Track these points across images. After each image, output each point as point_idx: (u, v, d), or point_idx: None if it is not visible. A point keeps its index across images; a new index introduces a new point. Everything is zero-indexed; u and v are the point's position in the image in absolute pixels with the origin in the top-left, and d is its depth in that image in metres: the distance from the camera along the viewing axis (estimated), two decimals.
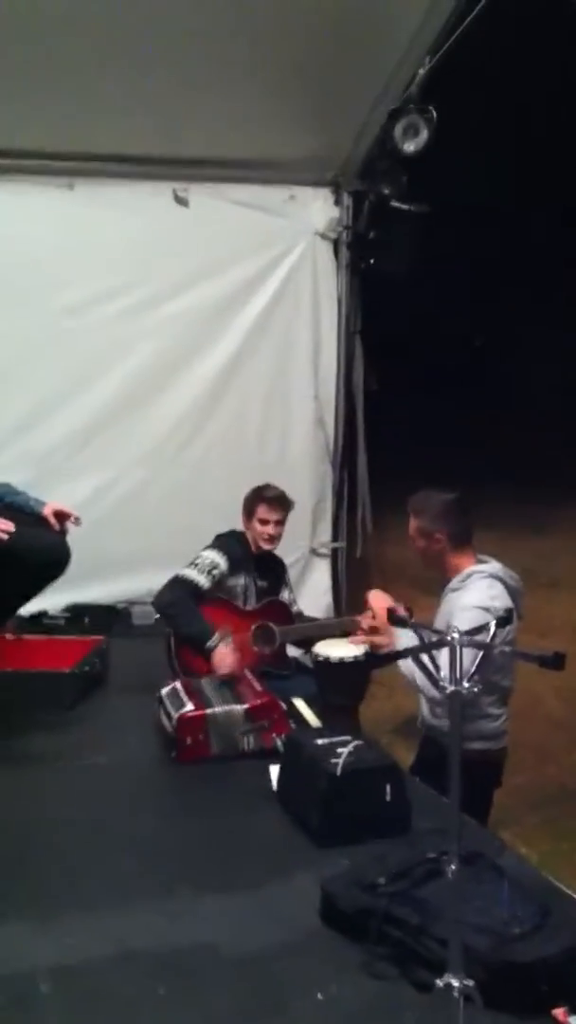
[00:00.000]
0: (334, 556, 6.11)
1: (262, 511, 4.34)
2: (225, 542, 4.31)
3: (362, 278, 5.82)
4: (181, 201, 5.59)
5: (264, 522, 4.33)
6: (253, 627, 4.23)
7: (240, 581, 4.31)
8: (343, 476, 6.02)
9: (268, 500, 4.36)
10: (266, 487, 4.43)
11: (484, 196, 12.90)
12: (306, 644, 4.17)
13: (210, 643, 3.93)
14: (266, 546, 4.36)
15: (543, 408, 15.75)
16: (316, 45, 4.76)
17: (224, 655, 3.94)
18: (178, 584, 4.10)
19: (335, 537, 6.11)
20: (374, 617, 3.56)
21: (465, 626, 2.26)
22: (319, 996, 2.11)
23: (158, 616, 5.13)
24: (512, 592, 3.47)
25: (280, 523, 4.37)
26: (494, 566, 3.53)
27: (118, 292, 5.55)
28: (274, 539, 4.37)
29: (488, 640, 2.23)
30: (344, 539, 6.11)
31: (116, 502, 5.60)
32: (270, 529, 4.34)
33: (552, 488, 12.01)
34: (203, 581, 4.11)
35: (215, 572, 4.15)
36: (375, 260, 5.38)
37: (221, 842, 2.89)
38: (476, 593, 3.39)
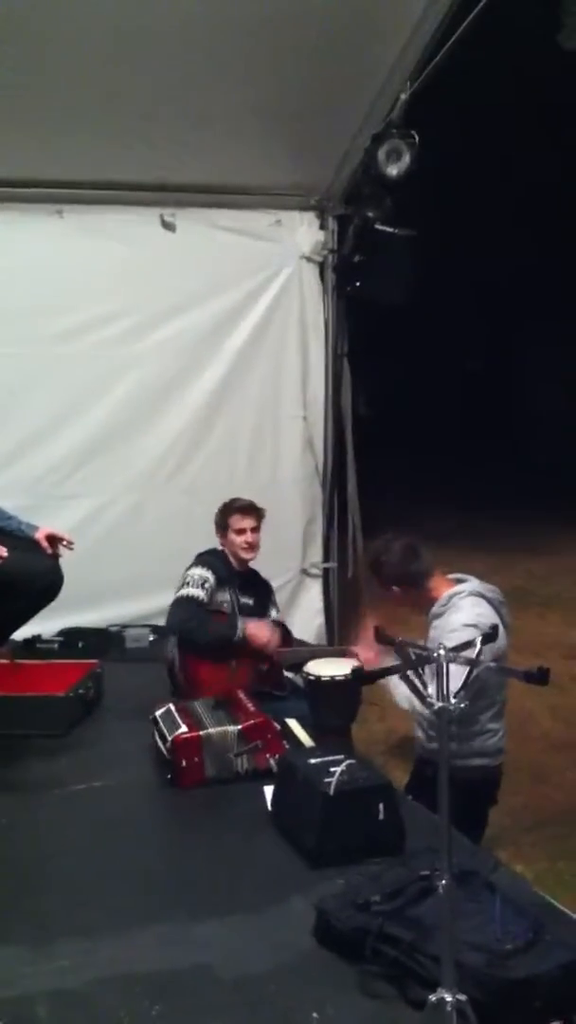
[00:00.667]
0: (325, 576, 6.13)
1: (236, 521, 4.39)
2: (207, 559, 4.36)
3: (349, 302, 5.86)
4: (168, 227, 5.64)
5: (240, 531, 4.38)
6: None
7: (225, 597, 4.34)
8: (333, 497, 6.05)
9: (239, 509, 4.42)
10: (234, 500, 4.50)
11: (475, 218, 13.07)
12: (297, 667, 4.19)
13: (239, 632, 4.09)
14: (246, 555, 4.40)
15: (538, 430, 15.86)
16: (300, 72, 4.83)
17: (259, 627, 4.15)
18: (183, 602, 4.16)
19: (326, 558, 6.13)
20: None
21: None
22: (315, 1016, 2.12)
23: (153, 639, 5.19)
24: (496, 606, 3.49)
25: (255, 530, 4.42)
26: (472, 584, 3.56)
27: (108, 318, 5.60)
28: (253, 547, 4.41)
29: (474, 656, 2.26)
30: (335, 559, 6.13)
31: (109, 527, 5.63)
32: (248, 537, 4.38)
33: (545, 509, 12.08)
34: (201, 595, 4.18)
35: (207, 585, 4.22)
36: (361, 283, 5.41)
37: (216, 864, 2.90)
38: (462, 613, 3.41)
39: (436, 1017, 1.89)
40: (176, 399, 5.77)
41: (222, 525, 4.43)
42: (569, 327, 14.46)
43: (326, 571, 6.12)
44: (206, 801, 3.31)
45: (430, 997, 1.93)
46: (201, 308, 5.76)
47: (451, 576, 3.64)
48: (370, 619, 3.74)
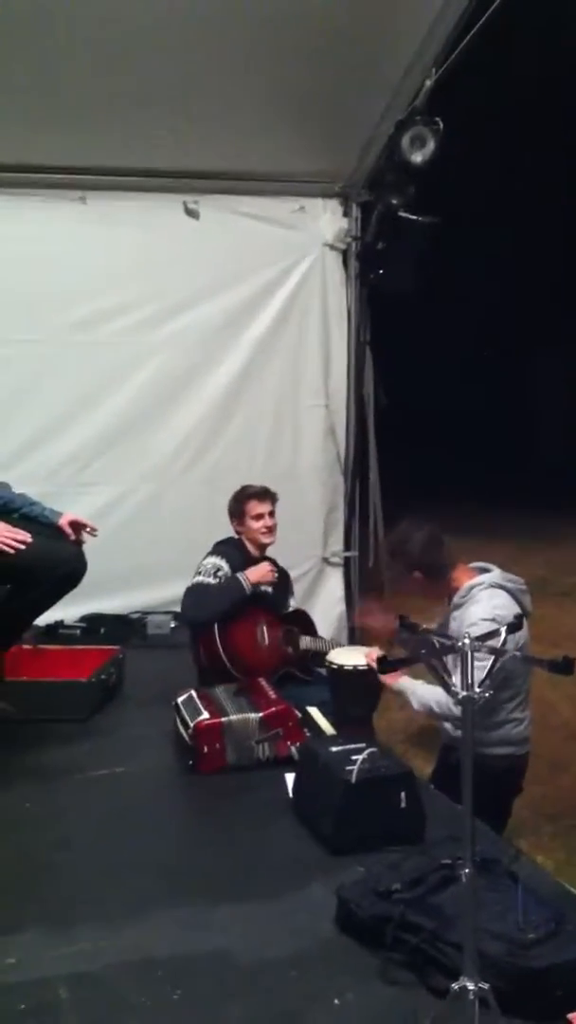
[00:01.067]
0: (346, 565, 6.12)
1: (253, 506, 4.41)
2: (222, 548, 4.38)
3: (372, 289, 5.83)
4: (192, 213, 5.63)
5: (259, 516, 4.40)
6: (278, 631, 4.34)
7: None
8: (355, 486, 6.03)
9: (255, 495, 4.44)
10: (247, 486, 4.50)
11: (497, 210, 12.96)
12: (319, 656, 4.22)
13: (246, 586, 4.15)
14: (267, 539, 4.41)
15: (558, 420, 15.77)
16: (324, 58, 4.79)
17: (256, 570, 4.21)
18: (192, 590, 4.19)
19: (347, 546, 6.12)
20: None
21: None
22: (335, 1002, 2.13)
23: (174, 626, 5.22)
24: (516, 596, 3.47)
25: (272, 514, 4.44)
26: (493, 575, 3.54)
27: (130, 305, 5.61)
28: (272, 531, 4.43)
29: (499, 646, 2.25)
30: (356, 548, 6.12)
31: (130, 514, 5.65)
32: (267, 521, 4.40)
33: (565, 499, 12.03)
34: (212, 583, 4.19)
35: (220, 574, 4.23)
36: (384, 272, 5.37)
37: (236, 850, 2.91)
38: (480, 606, 3.40)
39: (458, 1005, 1.89)
40: (196, 387, 5.77)
41: (237, 512, 4.45)
42: None
43: (347, 560, 6.12)
44: (227, 788, 3.32)
45: (452, 985, 1.92)
46: (222, 295, 5.76)
47: (473, 565, 3.62)
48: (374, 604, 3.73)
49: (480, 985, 1.90)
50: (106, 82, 4.79)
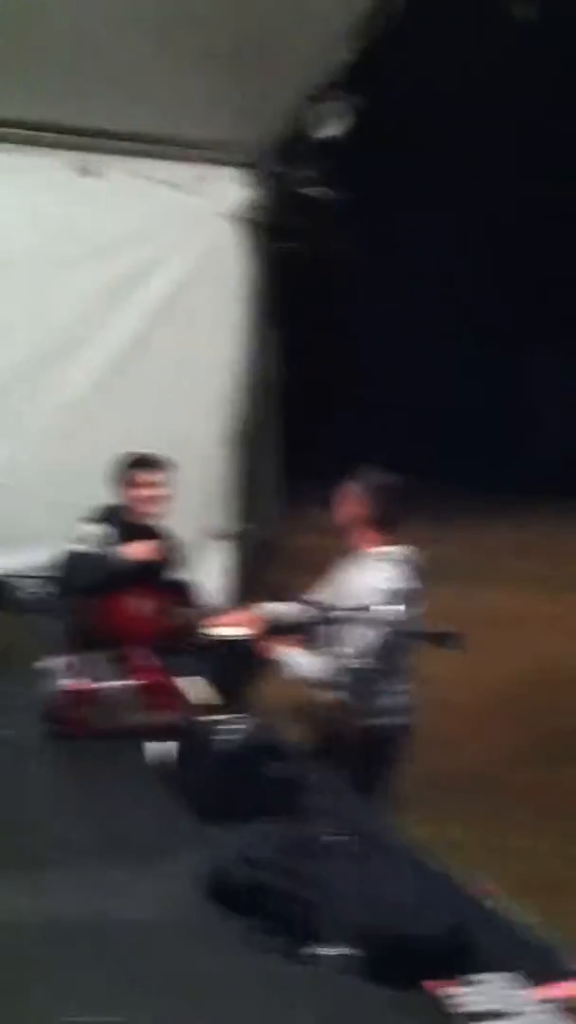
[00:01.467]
0: (237, 539, 6.03)
1: (139, 475, 4.32)
2: (103, 514, 4.28)
3: (279, 261, 5.76)
4: (88, 173, 5.46)
5: (145, 484, 4.31)
6: (158, 601, 4.24)
7: None
8: (251, 458, 5.94)
9: (142, 462, 4.34)
10: (134, 453, 4.40)
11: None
12: (199, 627, 4.16)
13: (118, 558, 4.05)
14: (150, 509, 4.32)
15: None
16: (237, 24, 4.69)
17: (141, 545, 4.13)
18: (68, 558, 4.14)
19: (240, 520, 6.02)
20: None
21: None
22: (205, 969, 2.08)
23: (45, 591, 5.06)
24: (410, 572, 3.49)
25: (160, 484, 4.33)
26: (394, 550, 3.56)
27: (14, 264, 5.38)
28: (157, 500, 4.32)
29: (385, 619, 2.25)
30: (249, 521, 6.02)
31: (7, 475, 5.42)
32: (153, 491, 4.30)
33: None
34: (90, 551, 4.11)
35: (99, 542, 4.14)
36: (289, 245, 5.34)
37: (106, 816, 2.84)
38: (374, 575, 3.41)
39: (324, 972, 1.88)
40: (84, 351, 5.58)
41: (124, 478, 4.34)
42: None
43: (237, 533, 6.03)
44: (97, 754, 3.24)
45: (318, 951, 1.91)
46: (117, 259, 5.59)
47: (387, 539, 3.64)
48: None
49: (345, 952, 1.90)
50: (12, 31, 4.56)
